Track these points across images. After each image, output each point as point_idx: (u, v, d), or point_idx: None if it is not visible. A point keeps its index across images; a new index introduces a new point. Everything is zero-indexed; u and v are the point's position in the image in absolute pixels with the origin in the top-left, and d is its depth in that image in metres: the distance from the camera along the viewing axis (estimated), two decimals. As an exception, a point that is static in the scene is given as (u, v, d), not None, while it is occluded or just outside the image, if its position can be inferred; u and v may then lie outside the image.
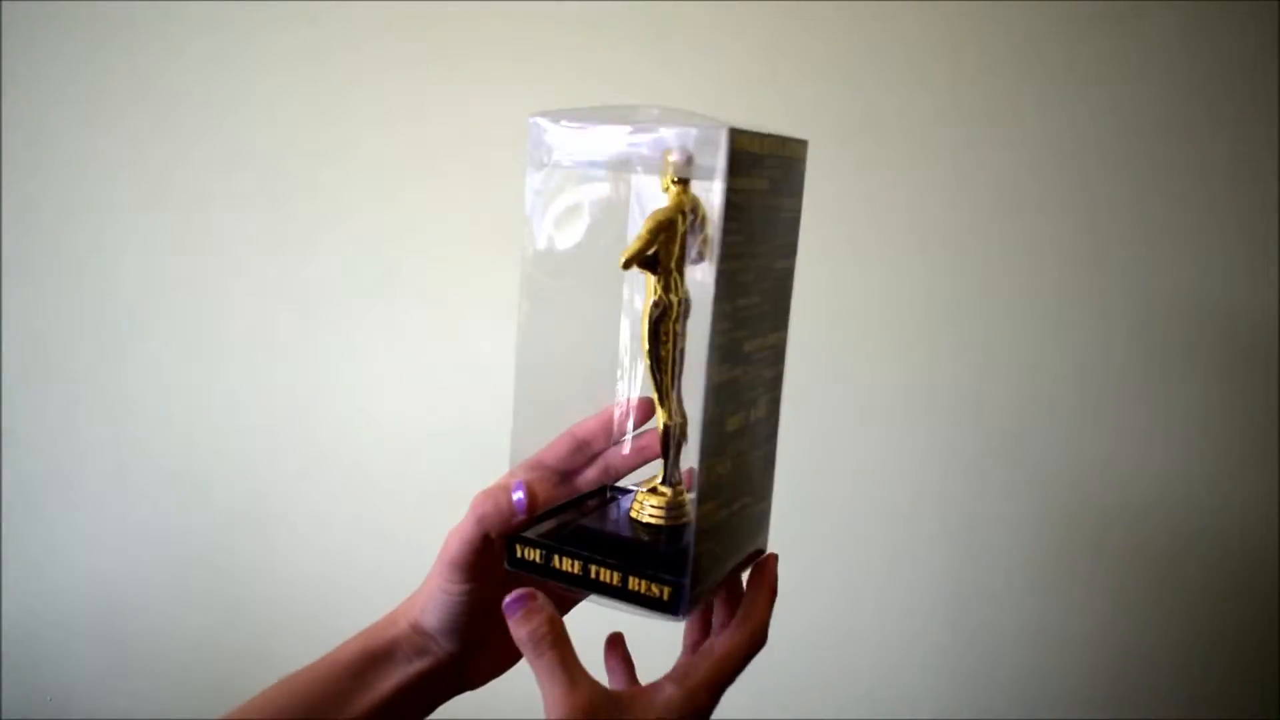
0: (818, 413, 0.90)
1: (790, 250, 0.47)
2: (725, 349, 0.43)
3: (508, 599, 0.46)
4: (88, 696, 1.06)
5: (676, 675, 0.46)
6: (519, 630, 0.45)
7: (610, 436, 0.52)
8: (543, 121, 0.46)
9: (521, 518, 0.48)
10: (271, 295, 0.99)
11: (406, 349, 0.97)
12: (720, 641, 0.48)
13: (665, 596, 0.43)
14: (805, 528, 0.90)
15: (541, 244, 0.48)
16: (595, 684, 0.45)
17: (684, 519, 0.49)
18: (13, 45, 1.02)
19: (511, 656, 0.54)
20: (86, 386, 1.04)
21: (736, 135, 0.40)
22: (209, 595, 1.03)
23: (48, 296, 1.05)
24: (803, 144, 0.47)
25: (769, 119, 0.86)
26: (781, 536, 0.52)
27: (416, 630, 0.51)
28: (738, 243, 0.42)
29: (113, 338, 1.04)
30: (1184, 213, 0.85)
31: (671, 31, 0.89)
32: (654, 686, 0.46)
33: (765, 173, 0.43)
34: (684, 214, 0.45)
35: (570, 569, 0.46)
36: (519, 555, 0.48)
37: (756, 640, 0.48)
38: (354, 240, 0.97)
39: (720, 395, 0.43)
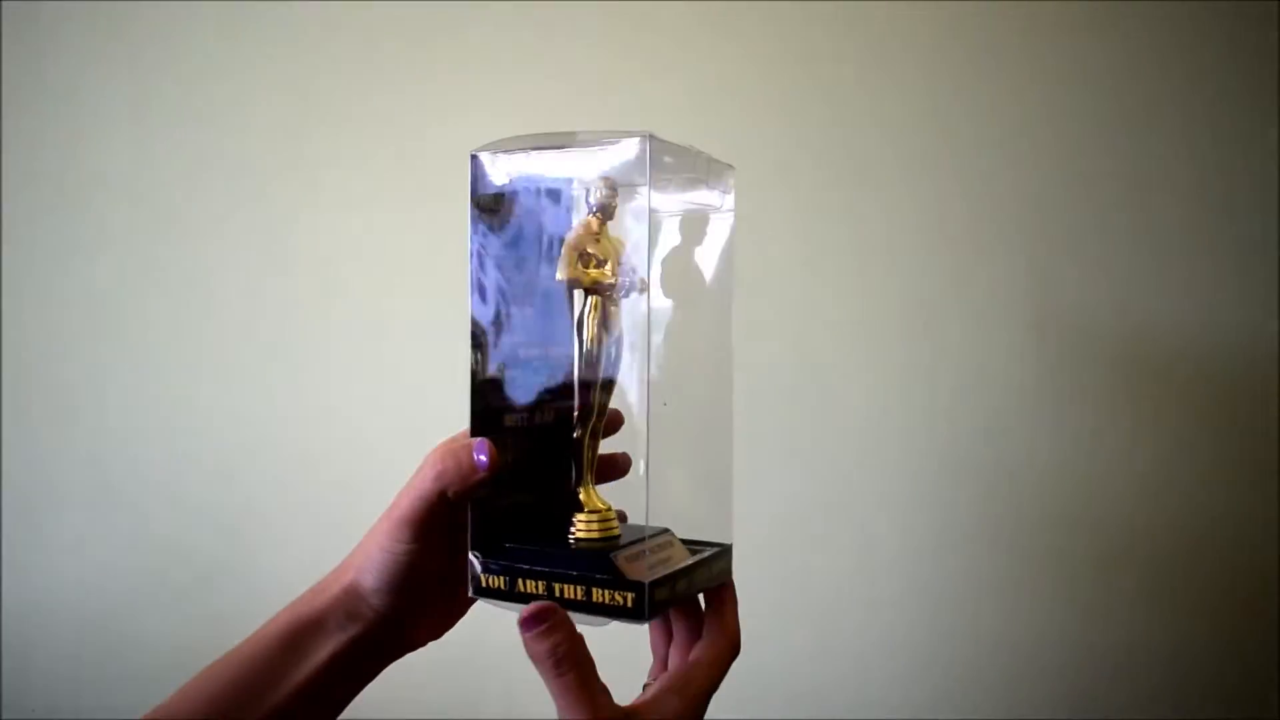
0: (790, 420, 0.91)
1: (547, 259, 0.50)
2: (495, 344, 0.50)
3: (525, 613, 0.45)
4: (74, 708, 1.06)
5: (675, 685, 0.47)
6: (537, 646, 0.44)
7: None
8: (484, 155, 0.50)
9: (482, 475, 0.48)
10: (255, 304, 1.00)
11: (391, 354, 0.98)
12: (706, 651, 0.49)
13: (630, 604, 0.46)
14: (778, 534, 0.91)
15: (487, 271, 0.51)
16: (612, 703, 0.45)
17: (614, 533, 0.51)
18: (11, 48, 1.03)
19: (448, 620, 0.54)
20: (68, 398, 1.04)
21: (479, 157, 0.50)
22: (195, 604, 1.02)
23: (28, 307, 1.05)
24: (553, 148, 0.49)
25: (750, 125, 0.88)
26: (757, 543, 0.53)
27: (349, 594, 0.50)
28: (484, 245, 0.50)
29: (95, 348, 1.04)
30: (1156, 218, 0.85)
31: (650, 41, 0.91)
32: (658, 699, 0.46)
33: (514, 183, 0.49)
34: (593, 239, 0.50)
35: (535, 589, 0.48)
36: (484, 584, 0.50)
37: (735, 646, 0.50)
38: (338, 248, 0.98)
39: (499, 383, 0.51)
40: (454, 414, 0.53)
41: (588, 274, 0.49)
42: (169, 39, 1.00)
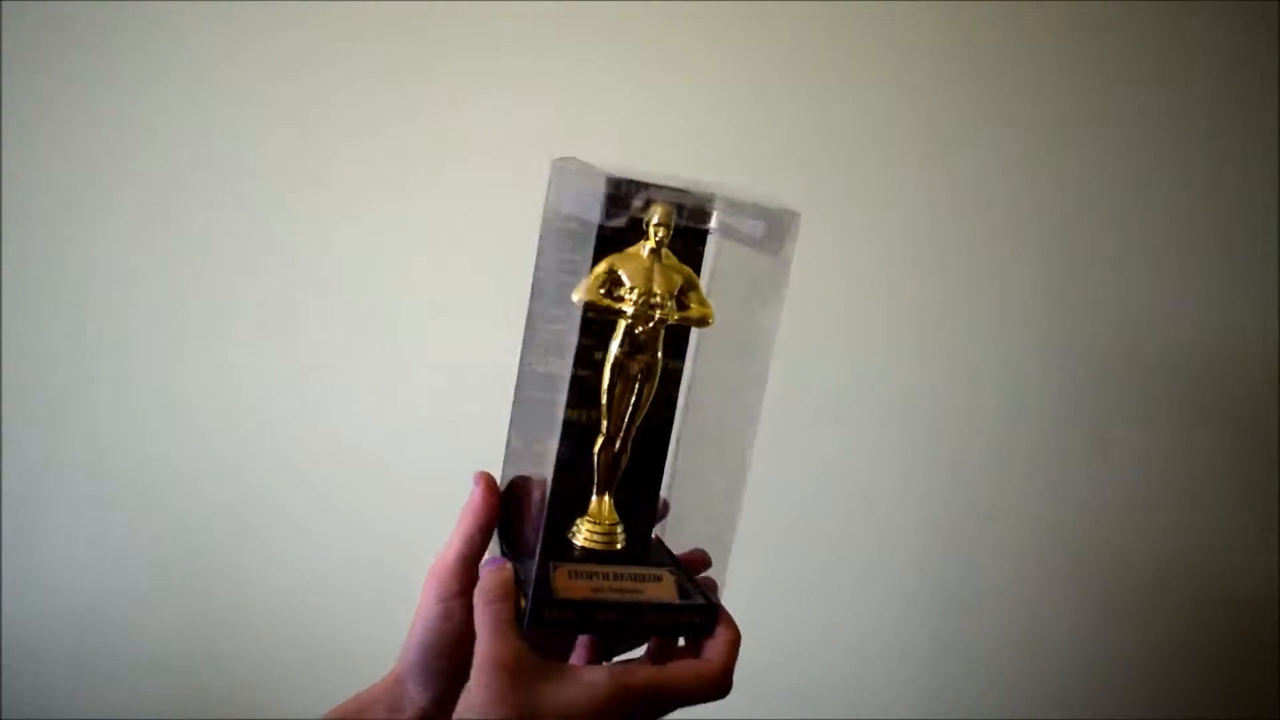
0: (803, 420, 0.91)
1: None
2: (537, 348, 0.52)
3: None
4: (74, 708, 1.05)
5: (622, 674, 0.46)
6: (477, 589, 0.48)
7: None
8: (564, 167, 0.51)
9: (491, 501, 0.51)
10: (257, 305, 0.99)
11: (394, 357, 0.98)
12: (681, 670, 0.47)
13: (521, 605, 0.47)
14: (788, 534, 0.91)
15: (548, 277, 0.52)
16: (526, 647, 0.46)
17: (615, 545, 0.50)
18: (11, 47, 1.02)
19: None
20: (68, 398, 1.04)
21: (560, 167, 0.50)
22: (195, 605, 1.02)
23: (28, 306, 1.04)
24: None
25: (748, 129, 0.87)
26: (764, 542, 0.53)
27: (393, 684, 0.52)
28: (549, 251, 0.51)
29: (95, 349, 1.03)
30: (1167, 226, 0.86)
31: (667, 39, 0.90)
32: (588, 669, 0.46)
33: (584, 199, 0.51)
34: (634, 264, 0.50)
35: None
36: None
37: (711, 681, 0.47)
38: (341, 249, 0.98)
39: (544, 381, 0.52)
40: (454, 418, 0.53)
41: (604, 299, 0.49)
42: (172, 38, 0.99)
